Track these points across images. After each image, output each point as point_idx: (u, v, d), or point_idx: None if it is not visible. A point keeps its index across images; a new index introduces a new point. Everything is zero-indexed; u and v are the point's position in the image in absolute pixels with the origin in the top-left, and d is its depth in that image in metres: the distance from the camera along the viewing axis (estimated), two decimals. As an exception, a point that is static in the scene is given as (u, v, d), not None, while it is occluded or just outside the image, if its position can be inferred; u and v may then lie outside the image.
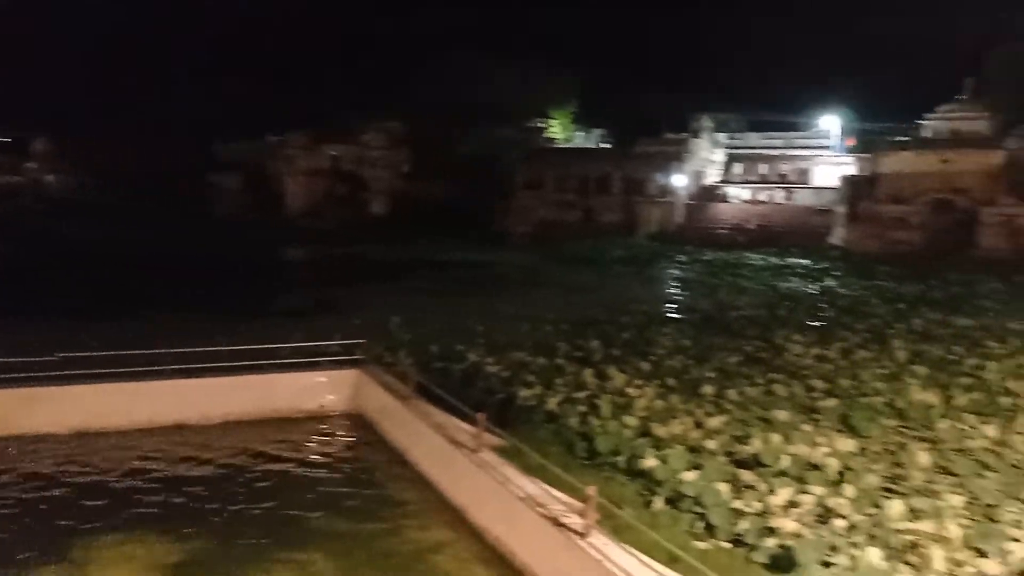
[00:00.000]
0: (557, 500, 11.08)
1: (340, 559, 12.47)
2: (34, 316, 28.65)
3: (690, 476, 12.79)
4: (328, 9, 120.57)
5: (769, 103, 77.54)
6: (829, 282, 42.61)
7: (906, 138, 62.10)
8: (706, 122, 75.41)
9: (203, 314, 29.53)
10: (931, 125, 60.74)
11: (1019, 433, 15.79)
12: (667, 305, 35.22)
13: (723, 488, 12.26)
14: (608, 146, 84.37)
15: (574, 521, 9.79)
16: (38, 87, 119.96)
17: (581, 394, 17.95)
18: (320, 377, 19.85)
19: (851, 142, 70.96)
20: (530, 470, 12.90)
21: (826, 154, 72.04)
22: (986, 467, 14.13)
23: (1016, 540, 10.81)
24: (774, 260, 53.53)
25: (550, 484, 12.45)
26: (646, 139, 76.66)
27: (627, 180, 74.48)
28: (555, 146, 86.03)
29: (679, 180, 72.22)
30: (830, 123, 74.82)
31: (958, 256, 51.67)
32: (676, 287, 41.91)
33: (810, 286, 41.39)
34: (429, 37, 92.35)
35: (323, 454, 17.94)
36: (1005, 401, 17.90)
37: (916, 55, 75.46)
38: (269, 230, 73.37)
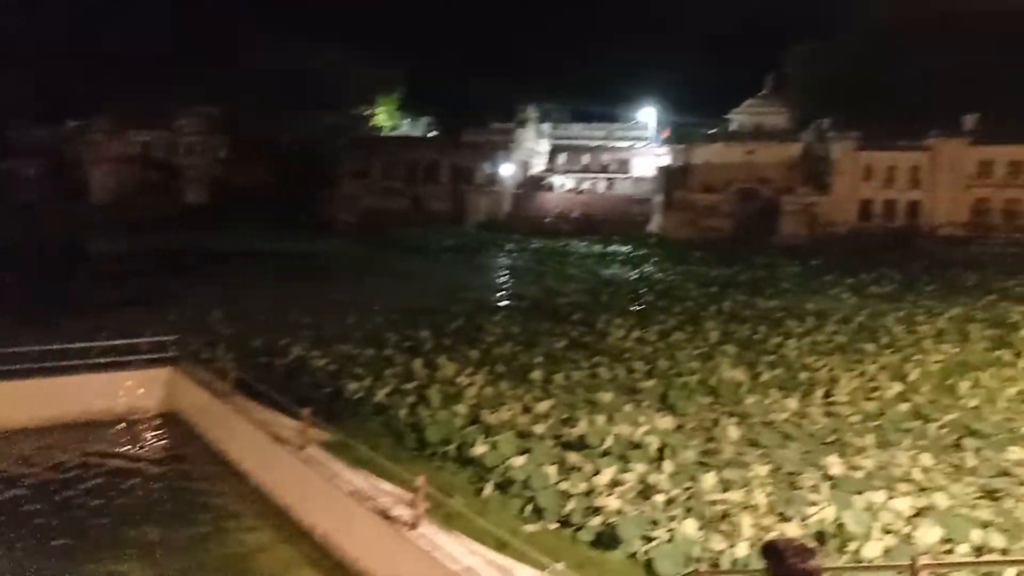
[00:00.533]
0: (386, 493, 10.91)
1: (155, 568, 11.75)
2: None
3: (519, 461, 12.96)
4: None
5: (591, 95, 79.94)
6: (648, 268, 44.52)
7: (715, 131, 65.76)
8: (531, 112, 76.69)
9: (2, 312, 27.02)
10: (737, 119, 64.64)
11: (816, 405, 17.09)
12: (496, 293, 35.62)
13: (551, 471, 12.50)
14: (435, 134, 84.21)
15: (402, 513, 9.66)
16: None
17: (410, 385, 17.82)
18: (131, 377, 18.61)
19: (667, 134, 74.25)
20: (358, 464, 12.66)
21: (644, 145, 75.07)
22: (788, 437, 15.18)
23: (814, 504, 11.64)
24: (597, 248, 55.32)
25: (380, 477, 12.27)
26: (473, 128, 77.14)
27: (455, 169, 74.71)
28: (381, 134, 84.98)
29: (506, 169, 73.23)
30: (648, 115, 78.04)
31: (763, 242, 55.37)
32: (504, 275, 42.47)
33: (630, 272, 43.06)
34: (248, 19, 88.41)
35: (135, 458, 16.86)
36: (804, 376, 19.30)
37: (723, 48, 79.49)
38: (72, 220, 68.10)
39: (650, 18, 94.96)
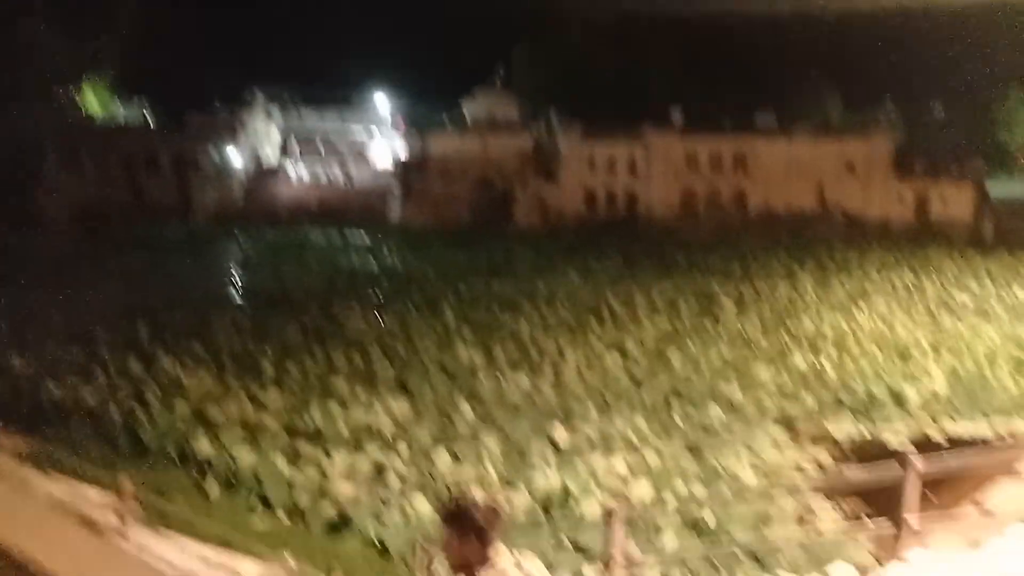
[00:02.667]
0: (93, 501, 9.92)
1: None
2: None
3: (245, 456, 12.38)
4: None
5: (321, 77, 78.13)
6: (386, 257, 44.47)
7: (452, 120, 67.03)
8: (260, 96, 73.53)
9: None
10: (469, 109, 66.24)
11: (545, 380, 17.89)
12: (226, 287, 33.92)
13: (280, 463, 12.07)
14: (155, 119, 78.31)
15: (109, 520, 8.85)
16: None
17: (126, 385, 16.46)
18: None
19: (402, 122, 74.46)
20: (63, 473, 11.46)
21: (385, 131, 74.73)
22: (519, 412, 15.78)
23: (543, 471, 12.15)
24: (335, 238, 54.44)
25: (88, 485, 11.18)
26: (195, 112, 72.34)
27: (179, 156, 70.13)
28: (92, 122, 77.70)
29: (235, 156, 69.93)
30: (382, 101, 77.61)
31: (500, 230, 57.31)
32: (236, 268, 40.54)
33: (369, 262, 42.79)
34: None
35: None
36: (534, 353, 20.15)
37: (457, 36, 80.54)
38: None
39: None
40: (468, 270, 37.55)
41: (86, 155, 71.10)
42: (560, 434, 13.96)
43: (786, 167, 62.47)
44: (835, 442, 15.09)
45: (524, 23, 72.16)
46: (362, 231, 56.35)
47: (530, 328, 23.51)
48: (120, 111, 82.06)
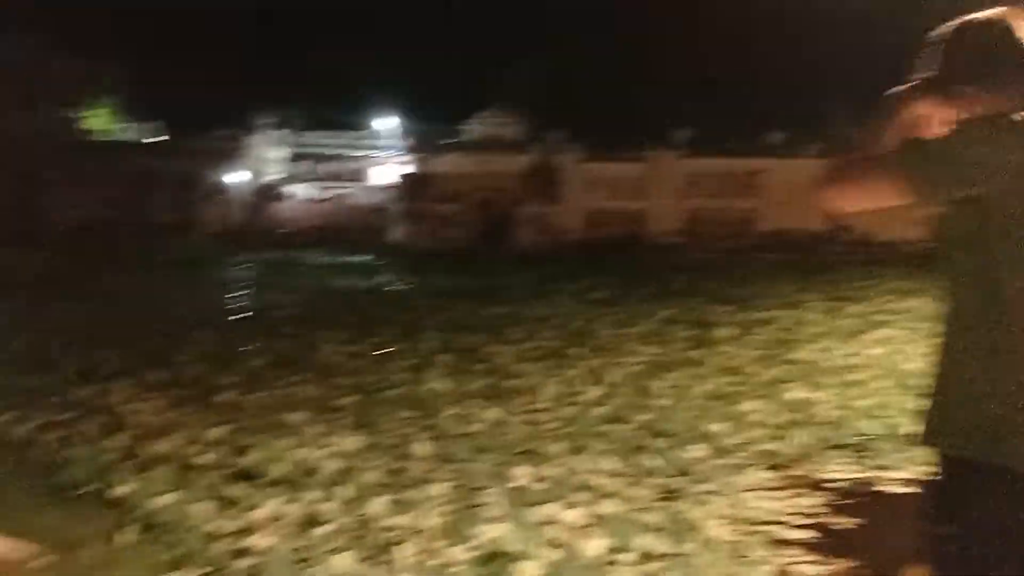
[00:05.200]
0: None
1: None
2: None
3: (166, 499, 11.25)
4: None
5: (331, 100, 78.16)
6: (380, 278, 43.64)
7: (452, 141, 66.60)
8: (266, 118, 73.62)
9: None
10: (472, 129, 65.78)
11: (516, 413, 16.70)
12: (209, 309, 32.99)
13: (200, 509, 10.92)
14: (160, 140, 78.35)
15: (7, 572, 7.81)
16: None
17: (65, 416, 15.41)
18: None
19: (408, 142, 74.11)
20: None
21: (386, 153, 74.45)
22: (483, 450, 14.60)
23: (492, 521, 10.94)
24: (334, 258, 53.73)
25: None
26: (203, 134, 72.65)
27: (182, 177, 69.91)
28: (97, 139, 77.69)
29: (238, 177, 69.61)
30: (390, 123, 77.47)
31: (500, 251, 56.51)
32: (225, 289, 39.71)
33: (364, 282, 41.93)
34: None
35: None
36: (510, 384, 18.97)
37: (459, 57, 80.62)
38: None
39: (393, 24, 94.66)
40: (460, 293, 36.59)
41: (89, 172, 71.06)
42: (523, 476, 12.75)
43: (796, 187, 61.30)
44: (827, 487, 13.82)
45: (524, 42, 71.92)
46: (359, 252, 55.64)
47: (512, 356, 22.36)
48: (127, 131, 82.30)
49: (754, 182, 59.85)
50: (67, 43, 73.05)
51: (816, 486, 14.19)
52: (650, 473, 13.83)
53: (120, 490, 11.76)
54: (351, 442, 14.34)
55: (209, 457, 13.40)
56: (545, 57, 70.52)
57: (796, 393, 18.88)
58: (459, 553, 10.15)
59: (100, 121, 78.79)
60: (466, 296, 35.70)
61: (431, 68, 79.59)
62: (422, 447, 14.36)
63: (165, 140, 77.31)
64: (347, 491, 12.14)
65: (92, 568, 10.18)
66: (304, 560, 9.87)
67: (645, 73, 66.22)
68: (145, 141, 78.55)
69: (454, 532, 10.91)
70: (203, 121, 73.57)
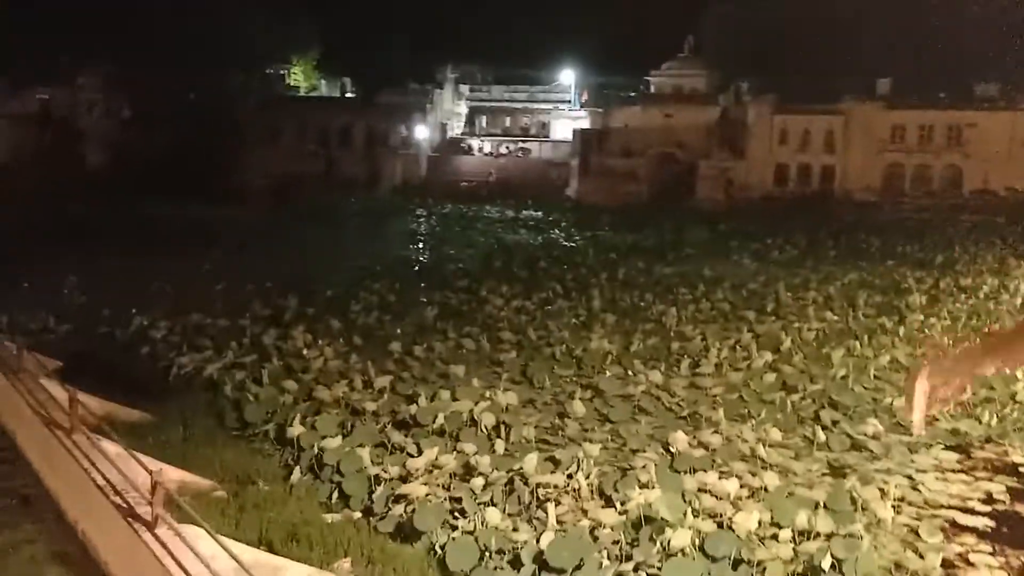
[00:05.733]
0: (142, 490, 9.30)
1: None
2: None
3: (333, 443, 11.80)
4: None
5: (512, 56, 78.32)
6: (554, 234, 43.67)
7: (634, 93, 65.01)
8: (450, 73, 74.85)
9: None
10: (656, 81, 63.94)
11: (680, 376, 16.28)
12: (388, 260, 34.26)
13: (364, 453, 11.37)
14: (351, 96, 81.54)
15: (146, 511, 8.44)
16: None
17: (249, 358, 16.47)
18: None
19: (586, 97, 73.15)
20: (149, 449, 11.36)
21: (564, 108, 73.91)
22: (642, 411, 14.35)
23: (646, 486, 10.70)
24: (509, 213, 54.28)
25: (171, 465, 10.99)
26: (390, 90, 74.84)
27: (370, 131, 72.57)
28: (296, 95, 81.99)
29: (423, 132, 71.46)
30: (568, 77, 76.71)
31: (679, 207, 54.93)
32: (407, 241, 41.09)
33: (536, 238, 42.12)
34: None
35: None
36: (676, 346, 18.50)
37: (647, 8, 78.47)
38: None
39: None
40: (632, 251, 35.96)
41: (287, 128, 74.73)
42: (680, 441, 12.41)
43: (1009, 143, 55.67)
44: (1018, 472, 12.59)
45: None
46: (536, 207, 55.82)
47: (679, 318, 21.75)
48: (323, 88, 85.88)
49: (961, 137, 54.49)
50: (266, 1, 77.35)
51: (1003, 470, 12.97)
52: (818, 446, 13.14)
53: (293, 431, 12.50)
54: (510, 396, 14.48)
55: (375, 404, 13.96)
56: (736, 2, 67.42)
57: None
58: (609, 516, 10.04)
59: (300, 78, 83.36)
60: (639, 254, 35.07)
61: (617, 18, 77.76)
62: (580, 406, 14.33)
63: (355, 96, 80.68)
64: (501, 445, 12.30)
65: (267, 503, 10.90)
66: (457, 512, 10.10)
67: (842, 17, 61.71)
68: (336, 96, 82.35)
69: (609, 492, 10.80)
70: (395, 77, 76.18)
